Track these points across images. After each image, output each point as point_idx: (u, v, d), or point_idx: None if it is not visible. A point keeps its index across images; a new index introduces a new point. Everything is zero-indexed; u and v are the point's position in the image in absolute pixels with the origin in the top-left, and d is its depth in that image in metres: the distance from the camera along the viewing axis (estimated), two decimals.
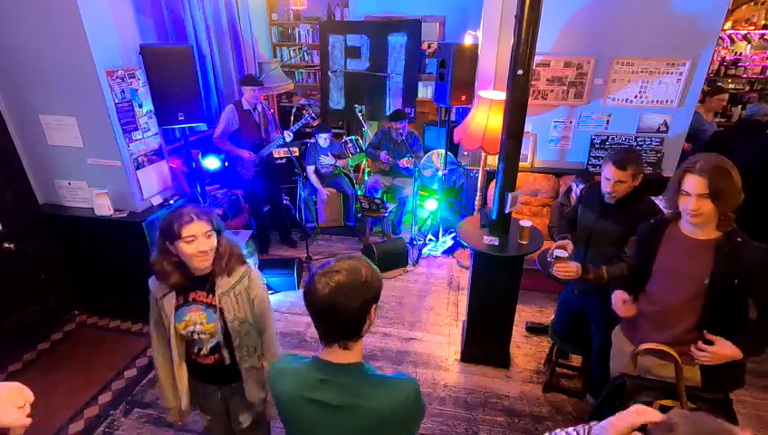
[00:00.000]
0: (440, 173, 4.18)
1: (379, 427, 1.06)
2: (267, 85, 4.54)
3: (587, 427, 0.98)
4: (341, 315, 1.02)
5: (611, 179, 2.02)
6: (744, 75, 5.70)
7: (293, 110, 5.55)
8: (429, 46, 6.07)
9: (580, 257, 2.24)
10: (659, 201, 2.38)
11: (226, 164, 4.05)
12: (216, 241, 1.49)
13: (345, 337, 1.07)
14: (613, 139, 3.68)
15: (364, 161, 4.93)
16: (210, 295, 1.55)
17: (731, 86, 5.68)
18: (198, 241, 1.44)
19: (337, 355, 1.09)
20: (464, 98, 3.60)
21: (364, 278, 1.04)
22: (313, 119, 4.04)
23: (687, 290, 1.63)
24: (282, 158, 4.07)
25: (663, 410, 1.53)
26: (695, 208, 1.51)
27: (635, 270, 1.88)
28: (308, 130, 4.98)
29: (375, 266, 1.09)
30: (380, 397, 1.06)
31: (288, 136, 3.84)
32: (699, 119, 4.01)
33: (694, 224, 1.59)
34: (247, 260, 1.65)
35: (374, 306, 1.07)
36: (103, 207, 2.97)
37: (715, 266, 1.55)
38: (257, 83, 3.74)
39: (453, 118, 4.80)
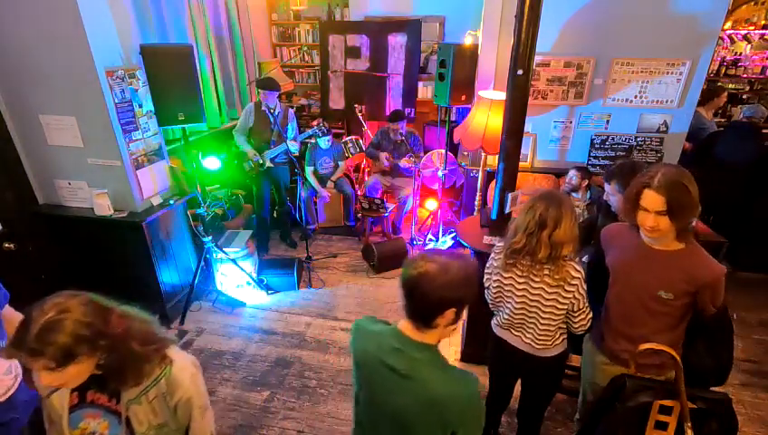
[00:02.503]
0: (440, 173, 4.18)
1: (435, 411, 1.10)
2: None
3: None
4: (417, 301, 1.11)
5: (615, 196, 2.03)
6: (744, 75, 5.70)
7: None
8: (429, 46, 6.07)
9: None
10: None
11: (236, 162, 4.05)
12: (70, 372, 1.04)
13: (420, 320, 1.13)
14: (613, 139, 3.68)
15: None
16: (113, 400, 1.20)
17: (731, 86, 5.68)
18: (40, 372, 1.02)
19: (414, 332, 1.16)
20: (464, 98, 3.60)
21: (450, 277, 1.07)
22: (323, 132, 4.06)
23: (638, 298, 1.64)
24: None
25: (663, 410, 1.54)
26: (653, 225, 1.51)
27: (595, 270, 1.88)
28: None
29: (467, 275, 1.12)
30: (441, 382, 1.11)
31: (292, 145, 3.85)
32: (699, 118, 4.01)
33: (651, 238, 1.59)
34: (169, 349, 1.23)
35: (452, 309, 1.10)
36: (103, 207, 2.97)
37: (673, 279, 1.55)
38: (265, 87, 3.74)
39: (453, 118, 4.80)
